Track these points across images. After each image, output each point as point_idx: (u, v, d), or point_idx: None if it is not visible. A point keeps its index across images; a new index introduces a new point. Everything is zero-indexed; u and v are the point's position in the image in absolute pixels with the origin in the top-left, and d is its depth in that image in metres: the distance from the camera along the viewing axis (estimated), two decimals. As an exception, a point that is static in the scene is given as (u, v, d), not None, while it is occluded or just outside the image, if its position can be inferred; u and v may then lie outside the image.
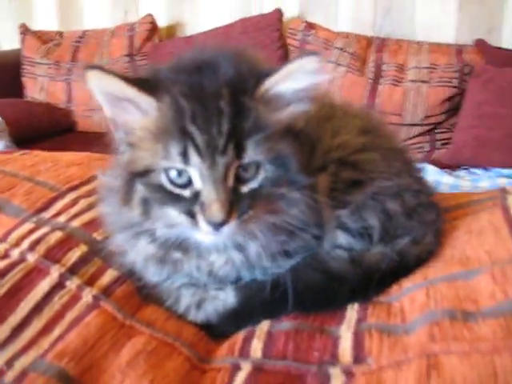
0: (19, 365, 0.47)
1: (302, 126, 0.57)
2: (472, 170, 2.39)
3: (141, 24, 3.16)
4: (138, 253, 0.60)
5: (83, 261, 0.59)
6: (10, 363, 0.48)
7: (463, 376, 0.41)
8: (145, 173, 0.54)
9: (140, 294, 0.60)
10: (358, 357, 0.48)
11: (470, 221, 0.66)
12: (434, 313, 0.49)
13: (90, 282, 0.57)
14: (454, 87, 2.62)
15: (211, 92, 0.52)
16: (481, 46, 2.66)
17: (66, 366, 0.47)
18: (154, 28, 3.19)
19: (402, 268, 0.60)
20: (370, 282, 0.57)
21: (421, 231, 0.62)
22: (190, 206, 0.52)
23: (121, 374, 0.47)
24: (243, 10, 3.13)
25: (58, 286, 0.56)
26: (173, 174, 0.53)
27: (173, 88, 0.53)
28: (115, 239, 0.61)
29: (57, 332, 0.51)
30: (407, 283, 0.58)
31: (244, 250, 0.58)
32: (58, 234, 0.62)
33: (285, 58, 2.89)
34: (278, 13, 2.85)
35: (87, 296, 0.55)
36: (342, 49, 2.77)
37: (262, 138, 0.51)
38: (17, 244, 0.60)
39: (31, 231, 0.62)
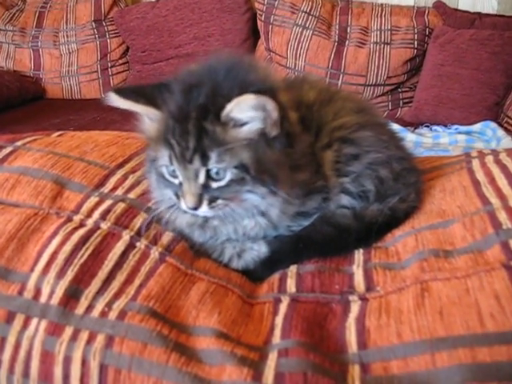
0: (117, 306, 0.63)
1: (277, 134, 0.70)
2: (433, 127, 2.56)
3: (107, -12, 3.17)
4: (181, 221, 0.75)
5: (146, 226, 0.74)
6: (109, 306, 0.63)
7: (446, 294, 0.59)
8: (154, 160, 0.73)
9: (192, 250, 0.75)
10: (369, 286, 0.66)
11: (443, 181, 0.84)
12: (422, 252, 0.67)
13: (154, 242, 0.72)
14: (415, 48, 2.75)
15: (185, 114, 0.68)
16: (439, 8, 2.77)
17: (153, 306, 0.63)
18: (120, -8, 3.20)
19: (393, 220, 0.77)
20: (370, 232, 0.75)
21: (406, 191, 0.79)
22: (178, 190, 0.71)
23: (195, 310, 0.63)
24: (209, -27, 3.13)
25: (130, 246, 0.70)
26: (169, 168, 0.71)
27: (168, 106, 0.69)
28: (164, 212, 0.76)
29: (137, 282, 0.66)
30: (398, 232, 0.75)
31: (266, 214, 0.74)
32: (121, 205, 0.76)
33: (252, 21, 2.96)
34: (245, -24, 2.91)
35: (154, 253, 0.70)
36: (308, 12, 2.84)
37: (222, 150, 0.67)
38: (88, 215, 0.74)
39: (97, 204, 0.76)
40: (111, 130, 2.54)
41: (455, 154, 2.15)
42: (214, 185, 0.69)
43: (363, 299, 0.64)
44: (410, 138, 2.44)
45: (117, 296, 0.64)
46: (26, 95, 3.10)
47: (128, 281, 0.66)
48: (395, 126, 2.53)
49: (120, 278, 0.66)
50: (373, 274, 0.67)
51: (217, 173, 0.68)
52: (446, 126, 2.54)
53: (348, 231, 0.74)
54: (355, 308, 0.63)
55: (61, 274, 0.65)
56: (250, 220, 0.74)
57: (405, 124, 2.63)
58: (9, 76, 3.12)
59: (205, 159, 0.67)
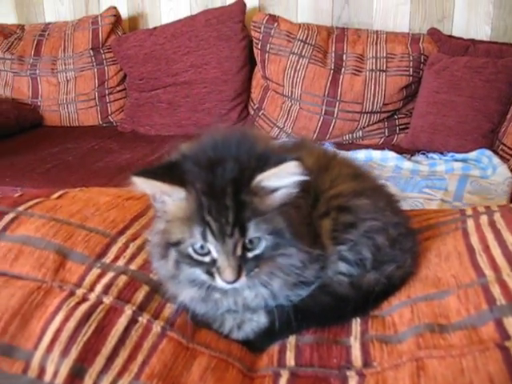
0: (121, 387, 0.64)
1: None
2: (429, 154, 2.58)
3: (104, 17, 3.18)
4: (185, 296, 0.77)
5: (148, 299, 0.76)
6: (113, 386, 0.64)
7: (441, 374, 0.61)
8: (176, 243, 0.72)
9: (193, 321, 0.77)
10: (367, 362, 0.67)
11: (438, 244, 0.86)
12: (418, 327, 0.69)
13: (156, 315, 0.74)
14: (411, 75, 2.79)
15: (220, 190, 0.69)
16: (434, 34, 2.80)
17: (156, 385, 0.64)
18: (117, 20, 3.26)
19: (390, 288, 0.79)
20: (367, 301, 0.77)
21: (402, 257, 0.81)
22: (210, 268, 0.71)
23: (197, 388, 0.65)
24: (205, 1, 3.19)
25: (133, 321, 0.72)
26: (196, 246, 0.71)
27: (195, 184, 0.70)
28: (166, 287, 0.78)
29: (140, 358, 0.68)
30: (395, 300, 0.77)
31: (268, 285, 0.75)
32: (123, 278, 0.78)
33: (248, 49, 2.99)
34: (241, 4, 2.94)
35: (156, 327, 0.72)
36: (303, 41, 2.88)
37: (259, 220, 0.69)
38: (91, 289, 0.76)
39: (100, 276, 0.78)
40: (110, 158, 2.59)
41: (451, 184, 2.16)
42: (250, 254, 0.70)
43: (360, 375, 0.65)
44: (406, 166, 2.47)
45: (120, 374, 0.66)
46: (24, 123, 3.13)
47: (131, 357, 0.68)
48: (391, 154, 2.56)
49: (123, 354, 0.68)
50: (370, 348, 0.69)
51: (251, 243, 0.70)
52: (442, 153, 2.57)
53: (345, 301, 0.76)
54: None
55: (65, 352, 0.67)
56: (250, 291, 0.76)
57: (401, 151, 2.65)
58: (7, 104, 3.14)
59: (243, 231, 0.69)
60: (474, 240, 0.81)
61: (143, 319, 0.73)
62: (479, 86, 2.50)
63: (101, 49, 3.23)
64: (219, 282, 0.71)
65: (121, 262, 0.82)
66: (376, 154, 2.59)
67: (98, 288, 0.76)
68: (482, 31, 2.86)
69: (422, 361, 0.63)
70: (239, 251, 0.70)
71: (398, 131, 2.88)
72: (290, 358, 0.70)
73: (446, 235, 0.87)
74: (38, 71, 3.26)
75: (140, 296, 0.76)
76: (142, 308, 0.74)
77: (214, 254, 0.70)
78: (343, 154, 0.90)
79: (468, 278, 0.73)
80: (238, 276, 0.70)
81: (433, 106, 2.64)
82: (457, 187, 2.22)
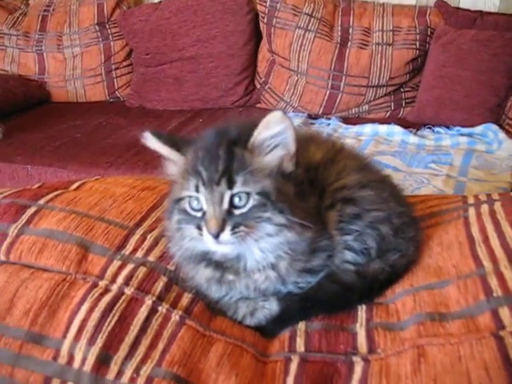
0: (144, 372, 0.69)
1: (293, 170, 0.79)
2: (435, 128, 2.59)
3: (109, -9, 3.18)
4: (201, 276, 0.82)
5: (166, 289, 0.81)
6: (137, 372, 0.70)
7: (440, 361, 0.66)
8: (178, 201, 0.79)
9: (208, 308, 0.82)
10: (371, 348, 0.72)
11: (440, 232, 0.90)
12: (419, 315, 0.73)
13: (174, 305, 0.79)
14: (417, 49, 2.79)
15: (216, 145, 0.77)
16: (441, 6, 2.78)
17: (177, 371, 0.70)
18: (122, -6, 3.22)
19: (394, 276, 0.84)
20: (372, 289, 0.81)
21: (406, 245, 0.86)
22: (200, 222, 0.77)
23: (215, 373, 0.70)
24: (210, -26, 3.14)
25: (153, 311, 0.77)
26: (192, 202, 0.77)
27: (194, 146, 0.79)
28: (183, 269, 0.83)
29: (161, 346, 0.73)
30: (398, 288, 0.82)
31: (276, 267, 0.80)
32: (142, 270, 0.83)
33: (254, 23, 2.99)
34: (247, -22, 2.93)
35: (175, 317, 0.77)
36: (310, 15, 2.87)
37: (248, 175, 0.75)
38: (113, 280, 0.81)
39: (120, 268, 0.83)
40: (118, 135, 2.62)
41: (456, 159, 2.18)
42: (237, 212, 0.75)
43: (366, 360, 0.70)
44: (412, 140, 2.49)
45: (143, 361, 0.71)
46: (31, 100, 3.16)
47: (152, 345, 0.73)
48: (397, 129, 2.57)
49: (145, 342, 0.73)
50: (374, 335, 0.74)
51: (239, 199, 0.75)
52: (448, 127, 2.58)
53: (352, 289, 0.81)
54: (358, 369, 0.70)
55: (91, 340, 0.72)
56: (260, 274, 0.80)
57: (407, 124, 2.67)
58: (14, 81, 3.17)
59: (231, 183, 0.74)
60: (475, 230, 0.85)
61: (163, 309, 0.78)
62: (486, 60, 2.50)
63: (106, 24, 3.23)
64: (206, 236, 0.75)
65: (139, 254, 0.86)
66: (382, 129, 2.61)
67: (120, 279, 0.81)
68: (490, 2, 2.84)
69: (423, 348, 0.68)
70: (226, 204, 0.75)
71: (404, 105, 2.89)
72: (300, 344, 0.75)
73: (447, 223, 0.91)
74: (43, 47, 3.27)
75: (159, 287, 0.81)
76: (161, 298, 0.79)
77: (204, 205, 0.76)
78: (350, 141, 0.93)
79: (467, 268, 0.77)
80: (222, 228, 0.74)
81: (439, 80, 2.64)
82: (462, 162, 2.25)
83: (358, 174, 0.87)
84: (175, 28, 2.98)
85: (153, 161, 2.22)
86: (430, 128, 2.60)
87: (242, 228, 0.75)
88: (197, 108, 2.99)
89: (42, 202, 0.95)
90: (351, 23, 2.83)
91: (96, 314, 0.75)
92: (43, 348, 0.73)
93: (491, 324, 0.68)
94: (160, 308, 0.78)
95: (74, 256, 0.84)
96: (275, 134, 0.76)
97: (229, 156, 0.75)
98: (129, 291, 0.79)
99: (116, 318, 0.75)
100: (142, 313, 0.76)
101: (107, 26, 3.21)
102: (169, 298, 0.80)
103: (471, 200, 0.96)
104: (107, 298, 0.77)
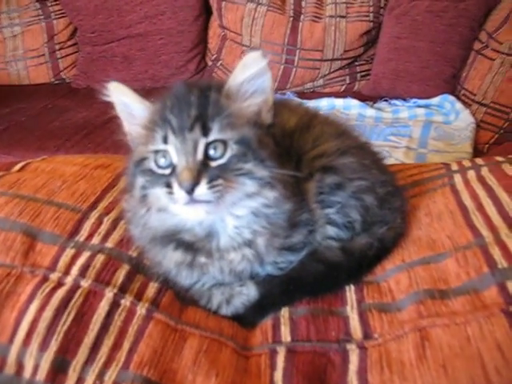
0: (108, 378, 0.59)
1: (271, 123, 0.71)
2: (391, 101, 2.56)
3: (48, -34, 2.99)
4: (170, 261, 0.72)
5: (129, 279, 0.70)
6: (101, 378, 0.59)
7: (447, 343, 0.58)
8: (141, 161, 0.68)
9: (178, 298, 0.72)
10: (367, 333, 0.64)
11: (427, 201, 0.83)
12: (417, 293, 0.66)
13: (139, 296, 0.69)
14: (371, 21, 2.73)
15: (186, 92, 0.67)
16: (393, -23, 2.71)
17: (147, 374, 0.60)
18: (63, -32, 3.02)
19: (383, 251, 0.76)
20: (361, 267, 0.73)
21: (392, 216, 0.78)
22: (169, 179, 0.65)
23: (191, 374, 0.61)
24: None
25: (115, 304, 0.66)
26: (158, 158, 0.66)
27: (164, 96, 0.69)
28: (148, 254, 0.72)
29: (127, 345, 0.63)
30: (389, 265, 0.74)
31: (253, 244, 0.71)
32: (100, 258, 0.71)
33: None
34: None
35: (141, 310, 0.67)
36: (261, -13, 2.75)
37: (225, 122, 0.65)
38: (66, 272, 0.69)
39: (74, 257, 0.71)
40: (66, 117, 2.47)
41: (415, 131, 2.15)
42: (213, 164, 0.65)
43: (361, 348, 0.63)
44: (369, 113, 2.45)
45: (107, 365, 0.61)
46: (-28, 82, 2.94)
47: (117, 345, 0.63)
48: (354, 102, 2.53)
49: (108, 342, 0.63)
50: (369, 319, 0.66)
51: (215, 150, 0.65)
52: (404, 99, 2.55)
53: (338, 267, 0.73)
54: (354, 358, 0.62)
55: (44, 344, 0.61)
56: (236, 253, 0.71)
57: (363, 98, 2.63)
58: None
59: (206, 130, 0.64)
60: (465, 197, 0.78)
61: (126, 302, 0.67)
62: (441, 31, 2.47)
63: (47, 1, 3.03)
64: (177, 192, 0.63)
65: (96, 240, 0.75)
66: (339, 102, 2.56)
67: (74, 270, 0.70)
68: (442, -27, 2.79)
69: (426, 330, 0.61)
70: (200, 154, 0.64)
71: (359, 78, 2.84)
72: (286, 333, 0.67)
73: (433, 192, 0.85)
74: (-17, 28, 3.03)
75: (120, 276, 0.70)
76: (123, 289, 0.69)
77: (174, 157, 0.65)
78: (319, 107, 0.84)
79: (464, 238, 0.71)
80: (197, 181, 0.63)
81: (394, 52, 2.60)
82: (421, 134, 2.23)
83: (337, 139, 0.78)
84: (121, 4, 2.82)
85: (104, 142, 2.12)
86: (386, 101, 2.57)
87: (219, 181, 0.63)
88: (147, 87, 2.85)
89: (-23, 186, 0.82)
90: (303, -5, 2.74)
91: (48, 313, 0.64)
92: (-15, 356, 0.61)
93: (499, 299, 0.61)
94: (123, 301, 0.67)
95: (18, 246, 0.72)
96: (252, 77, 0.67)
97: (202, 101, 0.65)
98: (86, 283, 0.68)
99: (72, 315, 0.64)
100: (103, 308, 0.66)
101: (48, 4, 3.01)
102: (132, 289, 0.70)
103: (455, 167, 0.90)
104: (61, 293, 0.66)
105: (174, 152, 0.65)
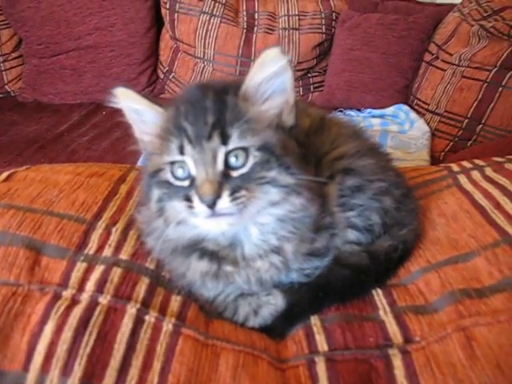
0: (144, 402, 0.54)
1: (293, 124, 0.67)
2: (346, 111, 2.60)
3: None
4: (195, 271, 0.67)
5: (150, 293, 0.65)
6: (134, 403, 0.54)
7: (495, 342, 0.57)
8: (156, 172, 0.64)
9: (203, 311, 0.67)
10: (407, 337, 0.62)
11: (437, 202, 0.82)
12: (452, 293, 0.65)
13: (163, 311, 0.63)
14: (323, 33, 2.78)
15: (201, 96, 0.63)
16: (343, -9, 2.77)
17: (187, 395, 0.55)
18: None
19: (405, 253, 0.74)
20: (387, 270, 0.72)
21: (409, 218, 0.77)
22: (188, 192, 0.61)
23: (233, 390, 0.56)
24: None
25: (139, 321, 0.61)
26: (175, 169, 0.62)
27: (177, 101, 0.64)
28: (169, 266, 0.67)
29: (157, 365, 0.57)
30: (413, 267, 0.73)
31: (281, 251, 0.67)
32: (117, 271, 0.65)
33: (155, 9, 2.84)
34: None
35: (167, 325, 0.61)
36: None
37: (245, 127, 0.61)
38: (81, 288, 0.63)
39: (87, 271, 0.65)
40: (14, 131, 2.35)
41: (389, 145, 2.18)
42: (235, 173, 0.61)
43: (404, 352, 0.60)
44: (326, 125, 2.47)
45: (139, 388, 0.55)
46: None
47: (146, 365, 0.57)
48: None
49: (136, 363, 0.57)
50: (406, 322, 0.64)
51: (236, 158, 0.60)
52: (359, 110, 2.60)
53: (365, 272, 0.71)
54: (398, 363, 0.59)
55: (66, 370, 0.55)
56: (263, 261, 0.67)
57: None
58: None
59: (225, 137, 0.60)
60: (479, 197, 0.78)
61: (150, 318, 0.62)
62: (392, 43, 2.54)
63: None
64: (198, 207, 0.59)
65: (108, 252, 0.69)
66: (294, 114, 2.56)
67: (90, 286, 0.63)
68: (388, -12, 2.88)
69: (469, 330, 0.59)
70: (220, 164, 0.60)
71: (312, 89, 2.88)
72: (322, 342, 0.64)
73: (439, 193, 0.84)
74: None
75: (141, 291, 0.65)
76: (146, 305, 0.63)
77: (192, 169, 0.61)
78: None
79: (490, 237, 0.70)
80: (218, 194, 0.59)
81: (347, 63, 2.64)
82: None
83: (354, 141, 0.76)
84: (70, 15, 2.72)
85: (58, 156, 2.01)
86: (341, 111, 2.60)
87: (242, 192, 0.60)
88: (98, 100, 2.75)
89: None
90: (256, 8, 2.75)
91: (67, 334, 0.57)
92: (-4, 388, 0.54)
93: (540, 294, 0.61)
94: (147, 317, 0.62)
95: (22, 262, 0.65)
96: (272, 76, 0.63)
97: (219, 106, 0.61)
98: (104, 300, 0.62)
99: (94, 336, 0.58)
100: (126, 325, 0.60)
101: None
102: (155, 304, 0.64)
103: (456, 168, 0.90)
104: (78, 312, 0.60)
105: (192, 163, 0.60)
